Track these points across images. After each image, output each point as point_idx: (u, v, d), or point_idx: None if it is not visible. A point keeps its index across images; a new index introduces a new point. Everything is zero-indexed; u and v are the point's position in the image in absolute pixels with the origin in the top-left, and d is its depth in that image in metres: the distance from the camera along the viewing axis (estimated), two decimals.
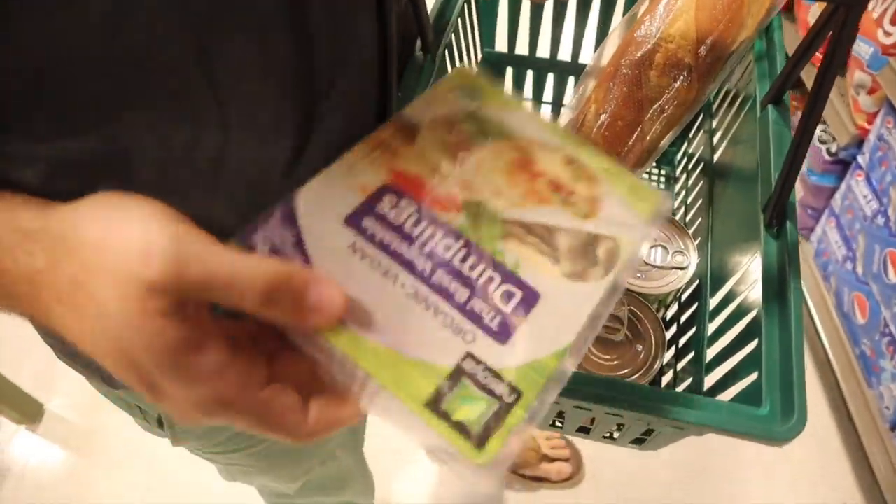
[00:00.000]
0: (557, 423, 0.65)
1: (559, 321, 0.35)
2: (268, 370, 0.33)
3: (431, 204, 0.39)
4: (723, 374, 0.58)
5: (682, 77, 0.64)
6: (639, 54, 0.66)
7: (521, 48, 0.91)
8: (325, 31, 0.48)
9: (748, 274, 0.59)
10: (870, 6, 1.27)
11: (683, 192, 0.86)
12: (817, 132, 1.51)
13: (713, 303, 0.65)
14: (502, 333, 0.34)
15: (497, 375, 0.33)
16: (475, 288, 0.36)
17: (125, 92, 0.40)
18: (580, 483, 1.46)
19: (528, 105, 0.44)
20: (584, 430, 0.64)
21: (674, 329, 0.73)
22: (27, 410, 1.55)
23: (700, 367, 0.63)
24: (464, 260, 0.36)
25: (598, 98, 0.68)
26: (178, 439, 0.66)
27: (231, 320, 0.33)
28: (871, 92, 1.30)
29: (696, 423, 0.47)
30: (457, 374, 0.33)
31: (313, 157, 0.46)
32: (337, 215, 0.37)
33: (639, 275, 0.69)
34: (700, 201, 0.78)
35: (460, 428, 0.31)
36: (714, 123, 0.79)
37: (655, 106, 0.65)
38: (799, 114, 0.66)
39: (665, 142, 0.67)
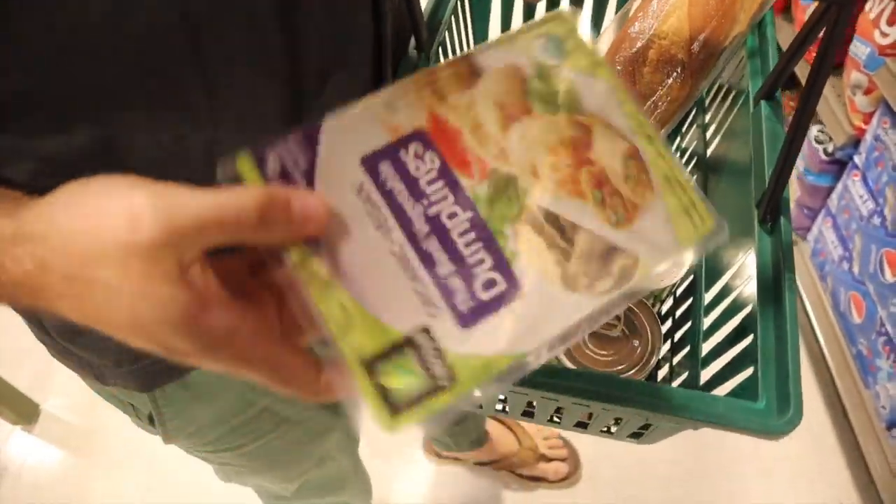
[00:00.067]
0: (555, 419, 0.65)
1: (528, 326, 0.34)
2: (279, 317, 0.34)
3: (458, 164, 0.36)
4: (718, 368, 0.58)
5: (675, 73, 0.64)
6: (632, 51, 0.66)
7: None
8: (320, 29, 0.48)
9: (743, 269, 0.59)
10: (867, 6, 1.27)
11: None
12: (814, 132, 1.51)
13: (708, 297, 0.65)
14: (467, 319, 0.33)
15: (443, 357, 0.32)
16: (461, 265, 0.34)
17: (119, 87, 0.40)
18: (578, 482, 1.46)
19: (616, 76, 0.39)
20: (581, 426, 0.64)
21: (669, 323, 0.73)
22: (23, 411, 1.55)
23: (696, 362, 0.63)
24: (463, 233, 0.34)
25: None
26: (170, 437, 0.65)
27: (227, 256, 0.33)
28: (867, 92, 1.31)
29: (694, 418, 0.47)
30: (405, 344, 0.32)
31: None
32: (357, 151, 0.35)
33: None
34: None
35: (383, 392, 0.31)
36: (707, 118, 0.80)
37: (649, 102, 0.65)
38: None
39: None
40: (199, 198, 0.29)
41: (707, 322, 0.64)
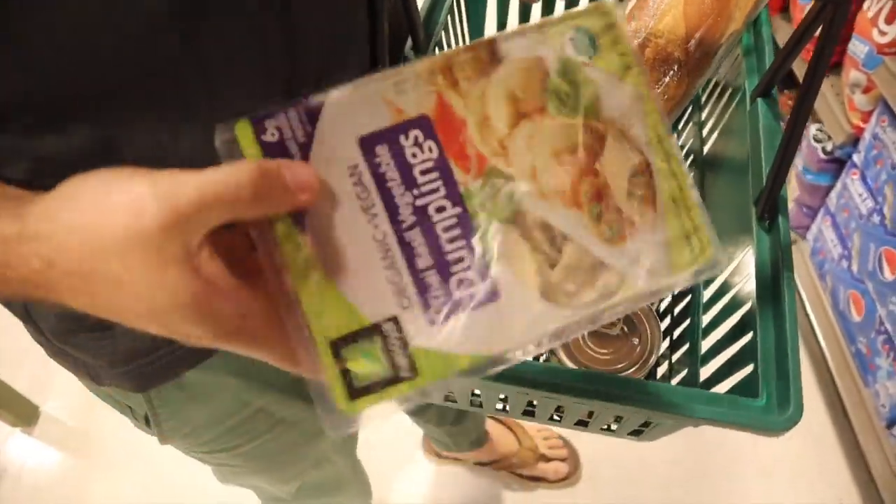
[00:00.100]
0: (555, 418, 0.65)
1: (497, 329, 0.34)
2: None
3: (455, 157, 0.35)
4: (718, 365, 0.58)
5: (671, 72, 0.64)
6: None
7: None
8: (319, 29, 0.48)
9: (741, 266, 0.59)
10: (865, 5, 1.27)
11: None
12: (813, 131, 1.51)
13: (707, 294, 0.65)
14: (437, 315, 0.33)
15: (407, 349, 0.33)
16: (441, 260, 0.34)
17: (118, 87, 0.40)
18: (578, 482, 1.46)
19: (647, 83, 0.37)
20: (582, 424, 0.65)
21: (667, 321, 0.73)
22: (22, 413, 1.55)
23: (695, 359, 0.63)
24: (448, 229, 0.34)
25: None
26: (165, 437, 0.65)
27: (227, 233, 0.33)
28: (866, 91, 1.31)
29: (696, 416, 0.48)
30: (372, 331, 0.33)
31: None
32: (357, 130, 0.34)
33: None
34: None
35: (345, 374, 0.32)
36: (703, 116, 0.80)
37: None
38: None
39: None
40: (196, 179, 0.29)
41: (706, 319, 0.64)
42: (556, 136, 0.35)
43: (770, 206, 0.55)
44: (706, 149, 0.77)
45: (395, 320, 0.33)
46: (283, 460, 0.78)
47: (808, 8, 0.53)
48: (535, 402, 0.63)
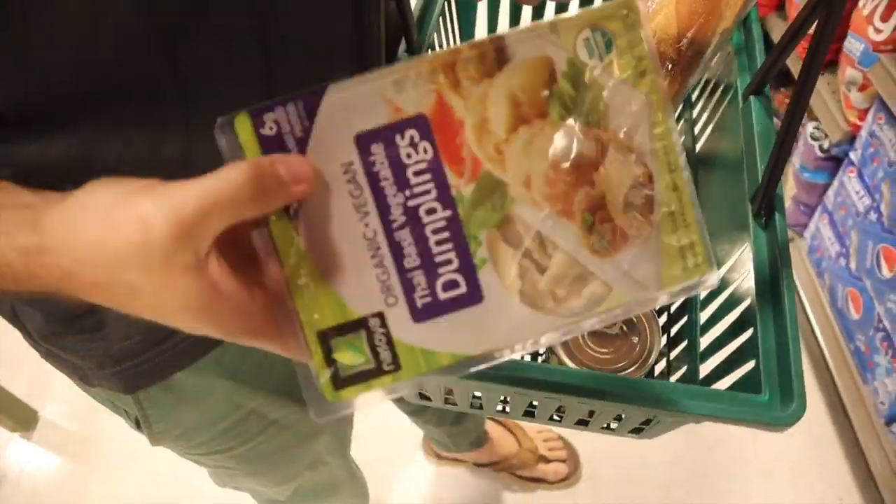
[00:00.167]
0: (555, 418, 0.65)
1: (480, 332, 0.35)
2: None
3: (450, 159, 0.34)
4: (717, 362, 0.58)
5: (664, 71, 0.64)
6: None
7: None
8: (297, 36, 0.49)
9: (739, 263, 0.59)
10: (860, 3, 1.28)
11: None
12: (809, 129, 1.51)
13: (704, 292, 0.65)
14: (422, 314, 0.34)
15: (391, 344, 0.34)
16: (428, 262, 0.34)
17: (95, 100, 0.41)
18: (577, 483, 1.45)
19: (662, 90, 0.35)
20: (582, 423, 0.64)
21: (664, 318, 0.73)
22: (21, 418, 1.55)
23: (694, 356, 0.63)
24: (437, 231, 0.34)
25: None
26: (156, 439, 0.66)
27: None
28: (862, 88, 1.31)
29: (699, 413, 0.48)
30: (359, 325, 0.34)
31: None
32: (354, 127, 0.34)
33: None
34: None
35: (332, 364, 0.34)
36: (694, 113, 0.80)
37: None
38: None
39: None
40: (195, 188, 0.30)
41: (703, 317, 0.64)
42: (554, 144, 0.35)
43: (767, 203, 0.55)
44: (698, 146, 0.78)
45: (380, 316, 0.34)
46: (277, 462, 0.78)
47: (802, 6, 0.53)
48: (535, 403, 0.63)
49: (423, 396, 0.68)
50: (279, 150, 0.33)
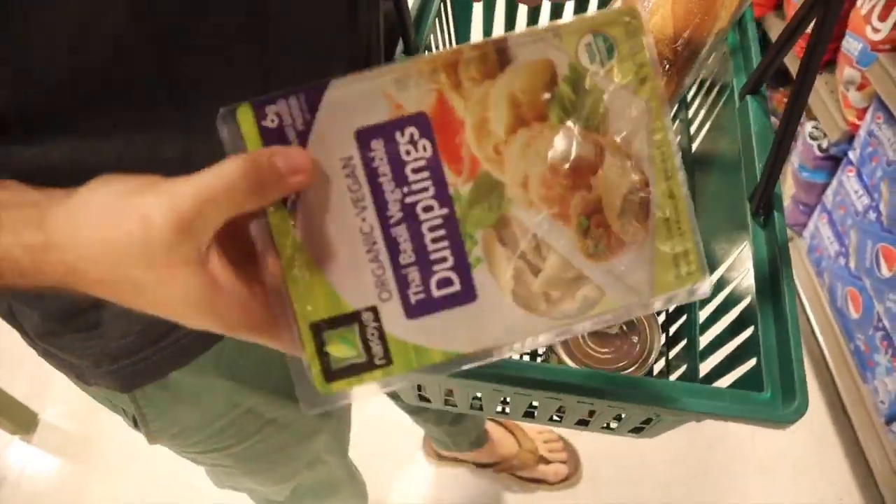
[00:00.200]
0: (555, 418, 0.65)
1: (472, 330, 0.35)
2: None
3: (449, 158, 0.35)
4: (718, 361, 0.58)
5: (660, 71, 0.65)
6: None
7: None
8: (294, 37, 0.49)
9: (738, 262, 0.59)
10: (858, 2, 1.28)
11: None
12: (808, 128, 1.52)
13: (696, 300, 0.66)
14: (415, 310, 0.35)
15: (383, 338, 0.35)
16: (423, 259, 0.35)
17: (91, 106, 0.42)
18: (578, 484, 1.45)
19: (662, 98, 0.35)
20: (582, 423, 0.64)
21: (662, 317, 0.73)
22: (22, 420, 1.55)
23: (694, 355, 0.63)
24: (433, 228, 0.35)
25: None
26: (153, 437, 0.66)
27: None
28: (860, 88, 1.31)
29: (702, 411, 0.48)
30: (352, 318, 0.34)
31: None
32: (354, 122, 0.34)
33: None
34: None
35: (323, 357, 0.34)
36: (690, 113, 0.80)
37: None
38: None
39: None
40: (193, 183, 0.31)
41: (703, 315, 0.65)
42: (553, 146, 0.35)
43: (765, 202, 0.56)
44: (694, 146, 0.78)
45: (374, 310, 0.34)
46: (275, 461, 0.79)
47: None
48: (535, 404, 0.63)
49: (422, 398, 0.68)
50: (280, 143, 0.34)
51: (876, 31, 1.23)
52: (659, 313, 0.73)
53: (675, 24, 0.64)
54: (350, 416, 0.91)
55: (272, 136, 0.33)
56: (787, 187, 1.65)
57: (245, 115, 0.33)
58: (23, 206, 0.34)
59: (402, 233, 0.34)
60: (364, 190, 0.34)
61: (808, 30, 0.51)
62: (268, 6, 0.46)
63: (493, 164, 0.35)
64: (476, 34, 0.90)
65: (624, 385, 0.49)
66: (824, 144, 1.48)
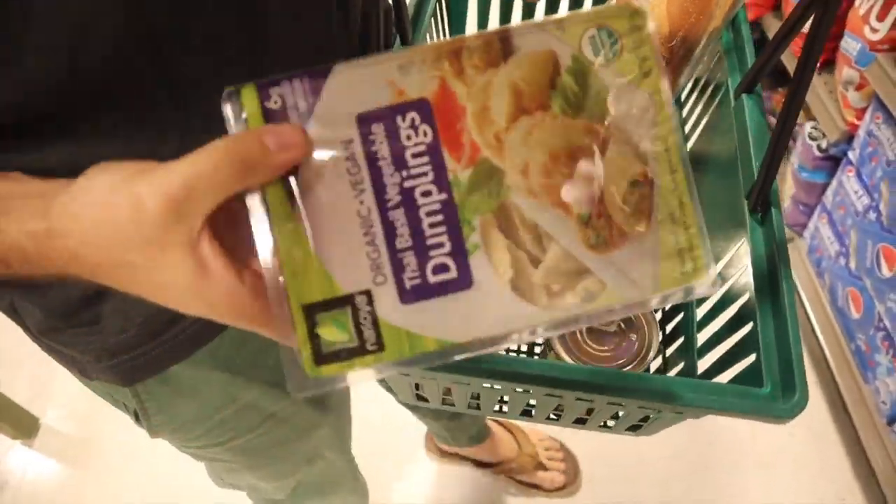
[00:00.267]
0: (553, 417, 0.65)
1: (467, 319, 0.35)
2: None
3: (449, 144, 0.35)
4: (716, 357, 0.58)
5: None
6: None
7: None
8: (289, 36, 0.49)
9: (735, 259, 0.59)
10: (856, 2, 1.28)
11: None
12: (807, 129, 1.52)
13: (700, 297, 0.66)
14: (410, 295, 0.34)
15: (376, 323, 0.34)
16: (420, 244, 0.34)
17: (89, 109, 0.42)
18: (575, 494, 1.45)
19: (666, 92, 0.35)
20: (580, 421, 0.64)
21: (659, 315, 0.73)
22: (22, 425, 1.55)
23: (692, 352, 0.63)
24: (431, 213, 0.34)
25: None
26: (155, 432, 0.67)
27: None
28: (859, 88, 1.31)
29: (702, 406, 0.48)
30: (345, 301, 0.34)
31: None
32: (356, 106, 0.34)
33: None
34: None
35: (314, 339, 0.34)
36: (684, 112, 0.80)
37: None
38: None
39: None
40: (181, 165, 0.31)
41: (700, 313, 0.65)
42: (555, 135, 0.35)
43: (763, 199, 0.56)
44: (689, 145, 0.78)
45: (367, 294, 0.34)
46: (275, 455, 0.79)
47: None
48: (533, 402, 0.63)
49: (420, 398, 0.68)
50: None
51: (874, 31, 1.23)
52: (656, 311, 0.73)
53: (670, 23, 0.64)
54: (350, 412, 0.91)
55: (275, 118, 0.34)
56: (787, 187, 1.65)
57: (249, 95, 0.34)
58: (27, 196, 0.35)
59: (399, 217, 0.34)
60: (363, 173, 0.34)
61: (805, 28, 0.51)
62: (267, 6, 0.46)
63: (494, 150, 0.35)
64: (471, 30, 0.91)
65: (625, 381, 0.49)
66: (824, 145, 1.49)
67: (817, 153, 1.50)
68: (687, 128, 0.79)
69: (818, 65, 1.42)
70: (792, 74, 0.50)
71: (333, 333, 0.34)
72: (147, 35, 0.41)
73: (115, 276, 0.34)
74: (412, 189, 0.34)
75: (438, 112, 0.35)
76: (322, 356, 0.34)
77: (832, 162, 1.49)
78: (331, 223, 0.34)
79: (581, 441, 1.49)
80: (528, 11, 0.84)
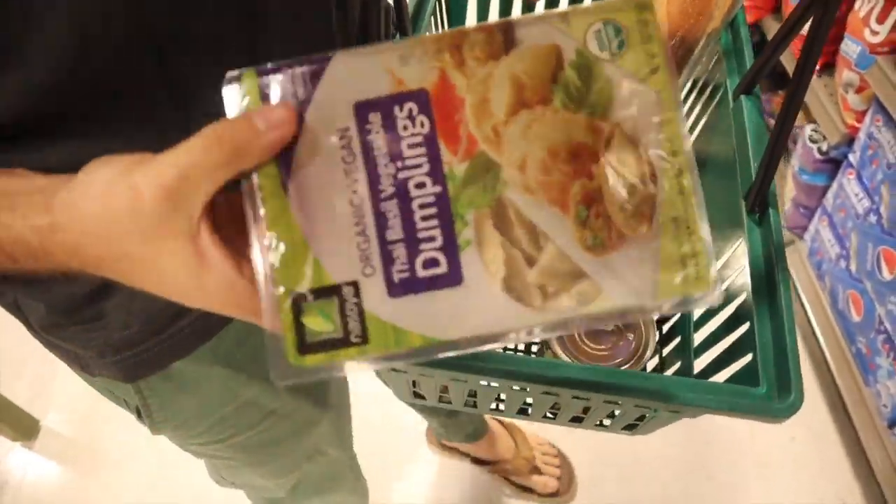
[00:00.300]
0: (549, 415, 0.65)
1: (456, 316, 0.34)
2: None
3: (446, 136, 0.34)
4: (713, 357, 0.58)
5: None
6: None
7: None
8: (288, 35, 0.50)
9: (733, 259, 0.59)
10: (856, 5, 1.28)
11: None
12: (808, 131, 1.52)
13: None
14: (398, 289, 0.34)
15: (362, 315, 0.33)
16: (411, 236, 0.34)
17: (93, 102, 0.43)
18: (571, 501, 1.45)
19: (673, 89, 0.34)
20: (576, 420, 0.64)
21: (656, 314, 0.73)
22: (23, 427, 1.55)
23: (688, 352, 0.63)
24: (424, 206, 0.34)
25: None
26: (157, 428, 0.67)
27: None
28: (859, 90, 1.31)
29: (699, 405, 0.48)
30: (332, 291, 0.33)
31: None
32: (354, 95, 0.34)
33: None
34: None
35: (299, 328, 0.33)
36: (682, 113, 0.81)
37: None
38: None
39: None
40: (174, 153, 0.32)
41: (696, 313, 0.65)
42: (555, 131, 0.34)
43: (760, 199, 0.56)
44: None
45: (355, 285, 0.33)
46: (275, 452, 0.79)
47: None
48: (529, 401, 0.63)
49: (417, 395, 0.68)
50: None
51: (874, 33, 1.23)
52: None
53: (669, 24, 0.64)
54: (350, 409, 0.91)
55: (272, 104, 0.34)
56: (788, 190, 1.65)
57: (250, 80, 0.34)
58: (32, 192, 0.36)
59: (391, 208, 0.34)
60: (358, 162, 0.34)
61: (804, 30, 0.51)
62: (267, 6, 0.46)
63: (491, 144, 0.34)
64: None
65: (622, 380, 0.49)
66: (824, 147, 1.49)
67: (818, 156, 1.50)
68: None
69: (818, 67, 1.42)
70: (791, 76, 0.50)
71: (319, 323, 0.33)
72: (147, 35, 0.41)
73: (118, 269, 0.34)
74: (406, 180, 0.34)
75: (437, 103, 0.34)
76: (306, 345, 0.33)
77: (833, 164, 1.49)
78: (322, 211, 0.34)
79: (578, 441, 1.49)
80: (528, 11, 0.85)
